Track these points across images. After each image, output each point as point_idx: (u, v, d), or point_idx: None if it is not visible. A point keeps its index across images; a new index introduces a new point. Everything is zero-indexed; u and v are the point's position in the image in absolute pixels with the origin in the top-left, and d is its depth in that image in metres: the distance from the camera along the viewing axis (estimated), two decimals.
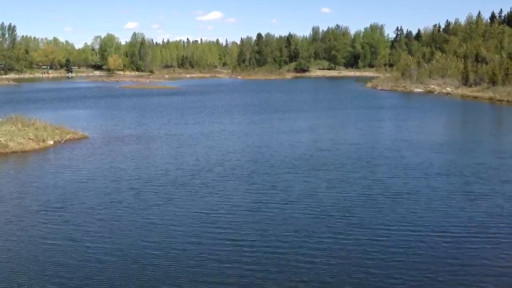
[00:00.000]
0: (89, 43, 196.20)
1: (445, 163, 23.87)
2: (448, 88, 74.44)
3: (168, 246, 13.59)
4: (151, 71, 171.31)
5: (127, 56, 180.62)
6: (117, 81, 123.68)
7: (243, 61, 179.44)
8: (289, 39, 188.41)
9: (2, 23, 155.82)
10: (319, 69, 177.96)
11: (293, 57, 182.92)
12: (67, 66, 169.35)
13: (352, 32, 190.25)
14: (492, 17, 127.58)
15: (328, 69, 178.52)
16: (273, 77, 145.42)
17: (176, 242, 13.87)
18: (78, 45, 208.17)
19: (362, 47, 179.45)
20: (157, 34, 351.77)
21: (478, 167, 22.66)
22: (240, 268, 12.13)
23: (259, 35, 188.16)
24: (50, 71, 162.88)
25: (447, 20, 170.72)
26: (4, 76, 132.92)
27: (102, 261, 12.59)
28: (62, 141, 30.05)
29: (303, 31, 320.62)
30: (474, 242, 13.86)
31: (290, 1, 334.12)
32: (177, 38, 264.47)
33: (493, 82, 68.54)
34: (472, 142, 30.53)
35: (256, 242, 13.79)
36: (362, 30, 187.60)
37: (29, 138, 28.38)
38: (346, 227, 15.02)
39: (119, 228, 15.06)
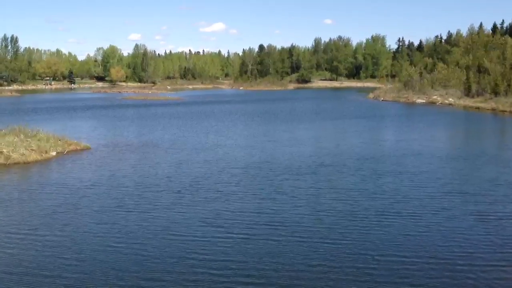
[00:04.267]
0: (91, 54, 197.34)
1: (450, 178, 23.54)
2: (450, 99, 74.41)
3: (171, 251, 13.52)
4: (154, 82, 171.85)
5: (129, 67, 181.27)
6: (120, 92, 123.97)
7: (245, 72, 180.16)
8: (291, 50, 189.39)
9: (5, 34, 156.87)
10: (321, 80, 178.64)
11: (295, 68, 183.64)
12: (69, 77, 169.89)
13: (354, 43, 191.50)
14: (494, 28, 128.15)
15: (330, 80, 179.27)
16: (275, 88, 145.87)
17: (180, 247, 13.81)
18: (81, 57, 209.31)
19: (364, 58, 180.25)
20: (160, 46, 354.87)
21: (485, 184, 21.97)
22: (243, 269, 12.05)
23: (261, 46, 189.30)
24: (52, 83, 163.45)
25: (448, 31, 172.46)
26: (6, 88, 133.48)
27: (102, 263, 12.52)
28: (65, 152, 30.00)
29: (306, 42, 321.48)
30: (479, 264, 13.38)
31: (293, 13, 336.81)
32: (180, 49, 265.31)
33: (495, 93, 68.47)
34: (476, 155, 30.06)
35: (259, 246, 13.73)
36: (364, 41, 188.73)
37: (32, 149, 28.31)
38: (350, 244, 14.82)
39: (121, 232, 14.99)
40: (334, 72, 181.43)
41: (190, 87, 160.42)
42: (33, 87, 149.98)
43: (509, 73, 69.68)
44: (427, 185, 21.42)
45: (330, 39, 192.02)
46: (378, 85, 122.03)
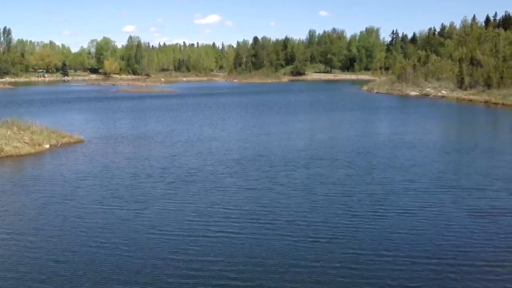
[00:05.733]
0: (85, 46, 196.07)
1: (443, 171, 23.58)
2: (443, 91, 74.68)
3: (163, 244, 13.67)
4: (148, 75, 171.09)
5: (123, 59, 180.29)
6: (113, 84, 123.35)
7: (240, 65, 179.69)
8: (285, 42, 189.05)
9: None
10: (315, 72, 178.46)
11: (290, 60, 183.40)
12: (63, 69, 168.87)
13: (348, 35, 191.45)
14: (487, 20, 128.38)
15: (324, 72, 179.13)
16: (269, 81, 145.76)
17: (172, 241, 13.94)
18: (75, 49, 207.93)
19: (358, 51, 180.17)
20: (155, 38, 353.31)
21: (478, 177, 21.99)
22: (232, 266, 12.19)
23: (255, 39, 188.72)
24: (46, 75, 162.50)
25: (442, 23, 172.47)
26: None
27: (93, 255, 12.64)
28: (58, 145, 29.99)
29: (301, 35, 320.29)
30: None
31: (288, 4, 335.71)
32: (175, 42, 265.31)
33: (488, 85, 68.82)
34: (470, 148, 30.20)
35: (254, 236, 13.89)
36: (358, 33, 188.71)
37: (25, 142, 28.31)
38: (349, 243, 14.98)
39: (113, 224, 15.10)
40: (328, 64, 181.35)
41: (184, 79, 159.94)
42: (26, 79, 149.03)
43: (502, 66, 70.04)
44: (421, 179, 21.47)
45: (325, 31, 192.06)
46: (372, 78, 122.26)
